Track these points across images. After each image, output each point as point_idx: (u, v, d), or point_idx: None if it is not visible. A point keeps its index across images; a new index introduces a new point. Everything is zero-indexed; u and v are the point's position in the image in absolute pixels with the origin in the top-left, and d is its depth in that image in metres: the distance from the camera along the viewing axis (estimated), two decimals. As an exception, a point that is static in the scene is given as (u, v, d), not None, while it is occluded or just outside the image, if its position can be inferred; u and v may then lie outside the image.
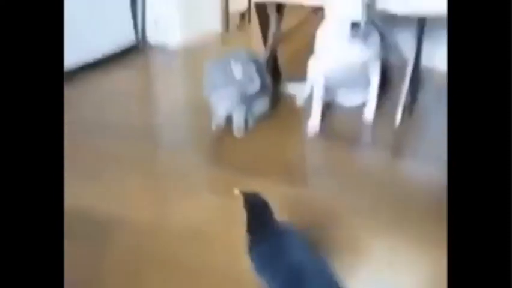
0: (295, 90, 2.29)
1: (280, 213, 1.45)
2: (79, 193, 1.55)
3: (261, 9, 2.35)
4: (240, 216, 1.47)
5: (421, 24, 2.00)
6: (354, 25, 1.70)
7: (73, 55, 2.52)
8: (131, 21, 3.00)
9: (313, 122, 1.99)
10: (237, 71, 1.81)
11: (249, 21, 3.67)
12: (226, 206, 1.50)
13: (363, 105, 2.09)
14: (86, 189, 1.61)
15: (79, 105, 2.23)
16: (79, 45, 2.56)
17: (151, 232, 1.42)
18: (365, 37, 1.83)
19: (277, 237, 1.14)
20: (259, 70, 1.94)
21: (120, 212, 1.50)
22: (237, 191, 1.15)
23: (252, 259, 1.12)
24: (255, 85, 1.83)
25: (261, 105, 2.00)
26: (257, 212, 1.16)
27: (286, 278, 1.06)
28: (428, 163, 1.73)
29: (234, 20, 3.63)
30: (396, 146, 1.95)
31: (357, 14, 1.71)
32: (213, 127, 1.98)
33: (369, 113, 2.05)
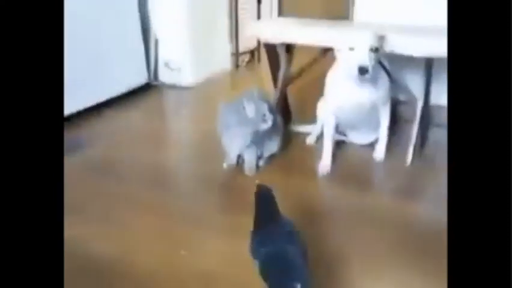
0: (306, 130, 2.30)
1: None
2: (83, 235, 1.55)
3: (271, 49, 2.40)
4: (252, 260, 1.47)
5: (429, 64, 2.02)
6: (362, 69, 1.72)
7: (86, 95, 2.59)
8: (144, 62, 3.08)
9: (324, 162, 1.99)
10: (250, 109, 1.83)
11: (259, 60, 3.75)
12: (237, 250, 1.50)
13: (374, 143, 2.09)
14: (93, 232, 1.60)
15: (91, 145, 2.26)
16: (92, 85, 2.63)
17: (160, 279, 1.40)
18: (374, 80, 1.86)
19: (281, 236, 1.22)
20: (270, 109, 1.97)
21: (127, 257, 1.49)
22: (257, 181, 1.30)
23: (256, 258, 1.20)
24: (268, 123, 1.84)
25: (272, 145, 2.01)
26: (263, 204, 1.27)
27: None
28: (440, 204, 1.70)
29: (244, 59, 3.71)
30: (407, 186, 1.94)
31: (365, 58, 1.73)
32: (225, 166, 1.99)
33: (380, 152, 2.05)
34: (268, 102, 1.90)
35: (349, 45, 1.77)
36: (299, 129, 2.33)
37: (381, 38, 1.80)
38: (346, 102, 1.93)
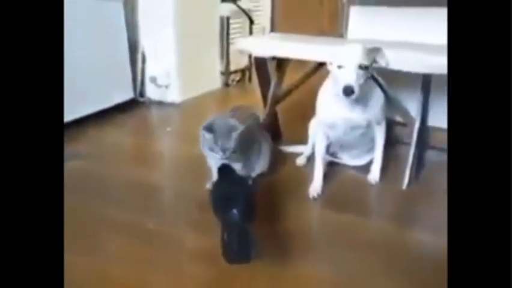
0: (296, 150, 2.19)
1: (276, 283, 1.32)
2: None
3: (261, 65, 2.31)
4: (236, 285, 1.33)
5: (426, 84, 1.93)
6: (347, 89, 1.59)
7: (69, 109, 2.44)
8: (130, 77, 2.97)
9: (315, 184, 1.86)
10: (207, 138, 1.68)
11: (250, 79, 3.67)
12: (216, 275, 1.36)
13: (369, 165, 1.98)
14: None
15: (71, 159, 2.11)
16: (75, 99, 2.50)
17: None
18: (366, 97, 1.75)
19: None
20: (235, 136, 1.84)
21: (96, 281, 1.34)
22: None
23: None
24: (217, 155, 1.67)
25: (261, 164, 1.89)
26: None
27: None
28: (436, 230, 1.58)
29: (234, 78, 3.62)
30: (402, 211, 1.81)
31: (351, 77, 1.60)
32: (208, 187, 1.85)
33: (374, 174, 1.94)
34: (239, 126, 1.68)
35: (337, 62, 1.64)
36: (289, 150, 2.22)
37: (375, 51, 1.68)
38: (338, 121, 1.82)
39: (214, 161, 1.77)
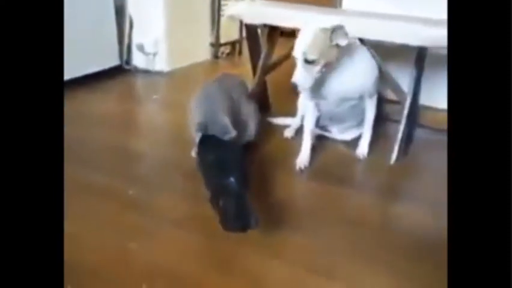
0: (284, 122, 2.14)
1: (262, 257, 1.28)
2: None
3: (253, 34, 2.24)
4: (215, 255, 1.29)
5: (420, 59, 1.89)
6: (293, 85, 1.55)
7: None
8: (116, 43, 2.87)
9: (302, 157, 1.82)
10: (197, 113, 1.63)
11: (240, 52, 3.59)
12: (193, 244, 1.32)
13: (357, 140, 1.94)
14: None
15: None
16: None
17: (104, 272, 1.20)
18: (355, 71, 1.71)
19: None
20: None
21: (69, 247, 1.29)
22: None
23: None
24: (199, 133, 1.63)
25: (247, 132, 1.84)
26: None
27: None
28: (422, 205, 1.56)
29: (224, 50, 3.53)
30: (390, 185, 1.79)
31: (297, 73, 1.56)
32: (193, 154, 1.80)
33: (363, 148, 1.90)
34: (231, 129, 1.60)
35: (292, 53, 1.59)
36: (277, 122, 2.17)
37: (333, 32, 1.55)
38: (329, 94, 1.77)
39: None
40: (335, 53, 1.61)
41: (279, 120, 2.17)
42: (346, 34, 1.57)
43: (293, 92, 1.61)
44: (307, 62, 1.55)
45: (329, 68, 1.63)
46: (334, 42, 1.58)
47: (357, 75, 1.73)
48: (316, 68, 1.57)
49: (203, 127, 1.53)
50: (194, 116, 1.63)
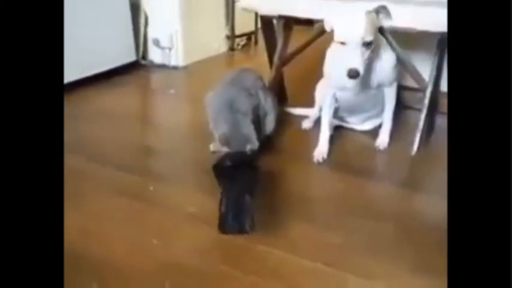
0: (301, 113, 2.12)
1: (280, 252, 1.27)
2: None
3: (268, 26, 2.21)
4: (234, 251, 1.29)
5: (442, 46, 1.83)
6: (351, 72, 1.49)
7: (70, 69, 2.37)
8: (132, 39, 2.87)
9: (321, 148, 1.80)
10: (212, 110, 1.67)
11: (256, 43, 3.56)
12: (213, 239, 1.32)
13: (377, 130, 1.91)
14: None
15: (72, 120, 2.05)
16: (76, 60, 2.43)
17: (126, 269, 1.21)
18: (372, 62, 1.66)
19: None
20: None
21: (90, 243, 1.30)
22: None
23: None
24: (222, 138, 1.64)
25: (265, 126, 1.82)
26: None
27: None
28: (442, 195, 1.52)
29: (240, 42, 3.51)
30: (411, 176, 1.76)
31: (356, 60, 1.49)
32: (211, 149, 1.80)
33: (383, 139, 1.87)
34: (254, 139, 1.62)
35: (340, 38, 1.54)
36: (295, 112, 2.15)
37: (380, 13, 1.55)
38: (348, 83, 1.73)
39: (223, 126, 1.70)
40: (378, 36, 1.60)
41: (297, 111, 2.14)
42: (389, 14, 1.54)
43: (351, 77, 1.51)
44: (364, 45, 1.50)
45: (374, 51, 1.60)
46: (380, 24, 1.56)
47: (374, 64, 1.69)
48: (369, 51, 1.54)
49: (225, 140, 1.54)
50: (214, 121, 1.62)
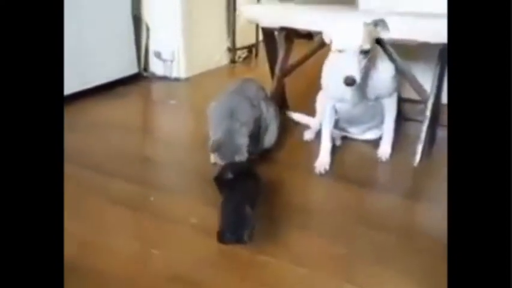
0: (301, 120, 2.12)
1: (282, 262, 1.26)
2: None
3: (270, 40, 2.23)
4: (235, 261, 1.27)
5: (442, 59, 1.84)
6: (348, 79, 1.48)
7: (72, 81, 2.38)
8: (134, 51, 2.89)
9: (322, 160, 1.79)
10: (216, 131, 1.65)
11: (257, 55, 3.58)
12: (213, 251, 1.30)
13: (378, 140, 1.90)
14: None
15: (72, 132, 2.05)
16: (78, 72, 2.45)
17: (126, 280, 1.20)
18: (370, 73, 1.66)
19: None
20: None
21: (91, 253, 1.29)
22: None
23: None
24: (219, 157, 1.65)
25: (267, 139, 1.82)
26: None
27: None
28: (446, 206, 1.51)
29: (241, 55, 3.53)
30: (414, 188, 1.75)
31: (352, 67, 1.49)
32: (212, 160, 1.79)
33: (384, 150, 1.86)
34: (244, 149, 1.61)
35: (337, 46, 1.54)
36: (295, 117, 2.16)
37: (378, 25, 1.57)
38: (346, 94, 1.73)
39: None
40: (375, 47, 1.62)
41: (298, 117, 2.14)
42: (387, 27, 1.55)
43: (348, 84, 1.50)
44: (362, 53, 1.51)
45: (371, 61, 1.61)
46: (377, 36, 1.58)
47: (372, 75, 1.69)
48: (366, 60, 1.54)
49: (216, 146, 1.54)
50: (213, 129, 1.63)
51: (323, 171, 1.75)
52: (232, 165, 1.48)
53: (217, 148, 1.59)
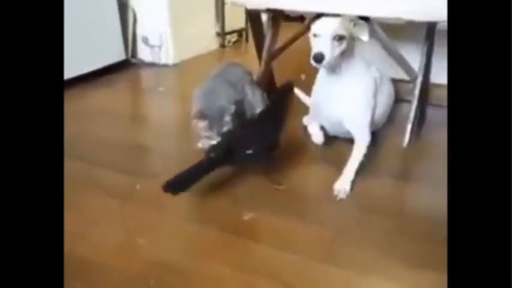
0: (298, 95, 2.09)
1: (273, 249, 1.25)
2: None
3: (256, 23, 2.19)
4: (226, 250, 1.27)
5: (430, 36, 1.82)
6: (317, 55, 1.48)
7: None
8: (121, 37, 2.85)
9: (316, 137, 1.78)
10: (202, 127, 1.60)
11: (247, 40, 3.54)
12: (201, 238, 1.30)
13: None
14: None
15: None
16: (65, 60, 2.40)
17: (111, 268, 1.19)
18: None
19: None
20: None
21: (76, 242, 1.28)
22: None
23: None
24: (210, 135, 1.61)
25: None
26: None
27: None
28: (438, 188, 1.50)
29: (231, 39, 3.49)
30: (404, 168, 1.74)
31: (324, 45, 1.50)
32: (200, 146, 1.77)
33: (342, 186, 1.62)
34: (230, 106, 1.59)
35: (313, 31, 1.55)
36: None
37: (356, 24, 1.57)
38: (332, 118, 1.72)
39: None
40: (353, 44, 1.60)
41: (299, 93, 2.10)
42: (365, 31, 1.56)
43: (316, 60, 1.50)
44: (335, 38, 1.51)
45: (347, 55, 1.59)
46: (353, 33, 1.57)
47: (345, 101, 1.66)
48: (342, 46, 1.54)
49: (200, 114, 1.51)
50: (194, 108, 1.61)
51: (319, 142, 1.76)
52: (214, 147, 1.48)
53: (202, 115, 1.56)
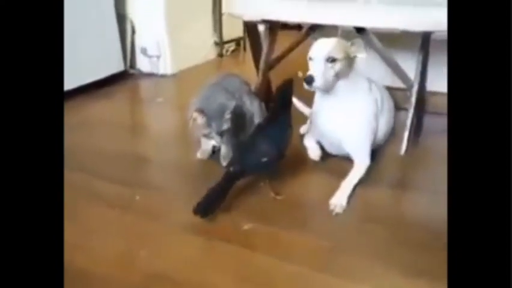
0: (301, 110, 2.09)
1: (272, 260, 1.26)
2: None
3: (253, 33, 2.21)
4: (222, 260, 1.27)
5: (426, 45, 1.84)
6: (307, 78, 1.53)
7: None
8: (119, 48, 2.87)
9: (313, 152, 1.78)
10: (200, 123, 1.61)
11: (245, 49, 3.56)
12: (203, 251, 1.30)
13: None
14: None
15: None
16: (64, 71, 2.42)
17: (113, 281, 1.20)
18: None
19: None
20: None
21: (77, 255, 1.28)
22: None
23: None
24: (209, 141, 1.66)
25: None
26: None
27: None
28: (436, 196, 1.52)
29: (229, 48, 3.51)
30: (401, 177, 1.75)
31: (316, 68, 1.54)
32: (198, 156, 1.79)
33: (338, 201, 1.64)
34: (229, 103, 1.61)
35: (309, 54, 1.58)
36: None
37: (352, 44, 1.59)
38: (321, 129, 1.74)
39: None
40: (351, 65, 1.61)
41: (297, 103, 2.12)
42: (362, 48, 1.58)
43: (307, 82, 1.54)
44: (328, 60, 1.54)
45: (344, 75, 1.60)
46: (353, 54, 1.59)
47: (344, 123, 1.66)
48: (336, 67, 1.56)
49: (199, 109, 1.51)
50: (190, 111, 1.61)
51: (317, 158, 1.76)
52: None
53: (201, 111, 1.55)
